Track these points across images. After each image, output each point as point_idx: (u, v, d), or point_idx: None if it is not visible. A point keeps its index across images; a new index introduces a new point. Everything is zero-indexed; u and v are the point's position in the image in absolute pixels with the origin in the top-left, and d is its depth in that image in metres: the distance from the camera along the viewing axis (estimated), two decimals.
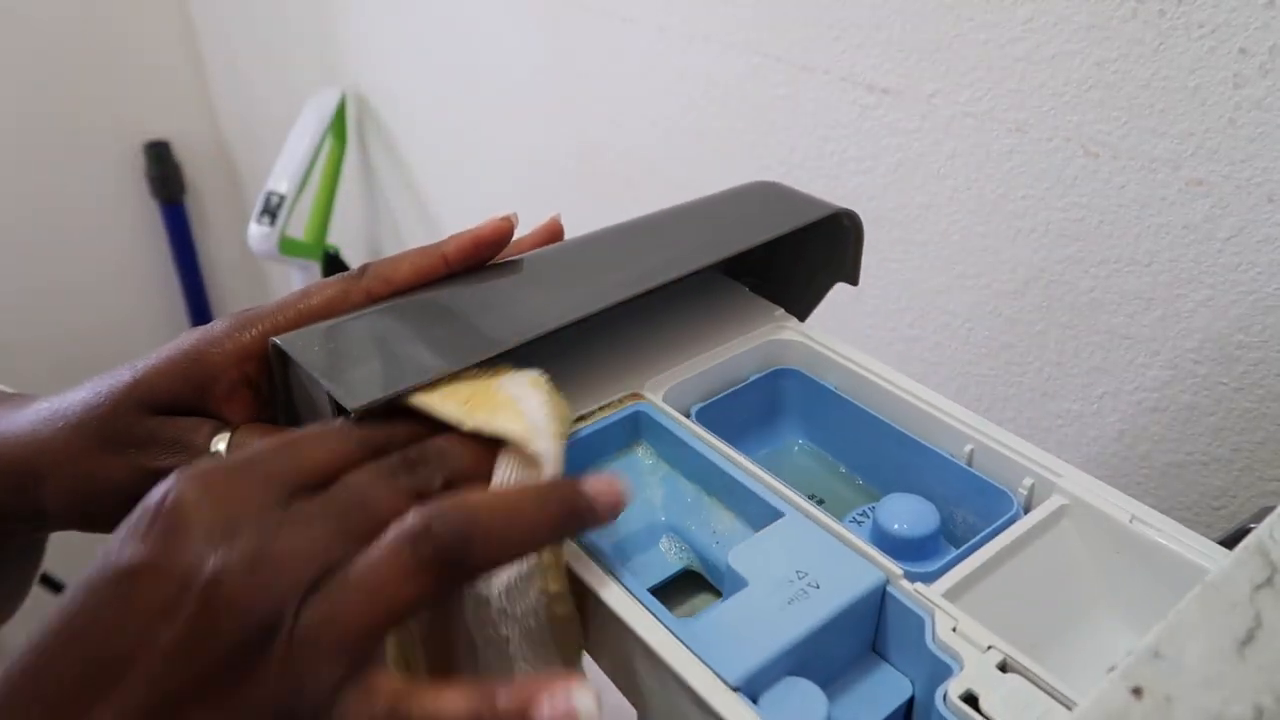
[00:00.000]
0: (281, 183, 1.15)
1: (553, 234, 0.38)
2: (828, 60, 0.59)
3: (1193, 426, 0.49)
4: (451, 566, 0.22)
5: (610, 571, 0.27)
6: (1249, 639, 0.18)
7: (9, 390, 0.40)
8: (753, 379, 0.35)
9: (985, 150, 0.53)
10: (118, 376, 0.32)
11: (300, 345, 0.28)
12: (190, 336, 0.32)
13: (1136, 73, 0.45)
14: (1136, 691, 0.18)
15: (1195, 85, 0.43)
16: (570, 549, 0.27)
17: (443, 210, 1.13)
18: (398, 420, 0.27)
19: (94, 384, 0.33)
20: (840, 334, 0.36)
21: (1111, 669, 0.18)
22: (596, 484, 0.24)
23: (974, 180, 0.54)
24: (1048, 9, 0.47)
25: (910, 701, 0.26)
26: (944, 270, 0.58)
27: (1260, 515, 0.35)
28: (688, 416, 0.32)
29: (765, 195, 0.39)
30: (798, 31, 0.60)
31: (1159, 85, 0.44)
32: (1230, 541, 0.26)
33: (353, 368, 0.27)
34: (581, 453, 0.32)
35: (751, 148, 0.68)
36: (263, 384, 0.31)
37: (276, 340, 0.29)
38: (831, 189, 0.62)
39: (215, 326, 0.32)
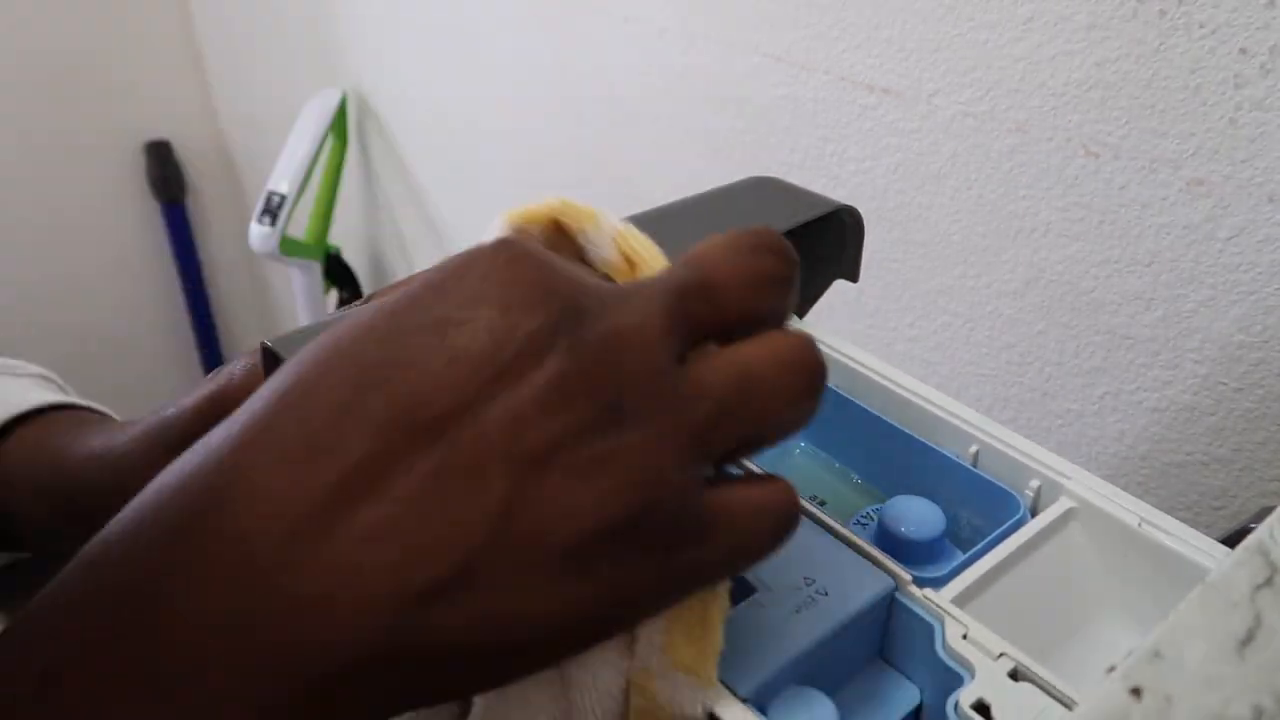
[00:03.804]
0: (282, 183, 1.15)
1: None
2: (828, 60, 0.59)
3: (1193, 427, 0.49)
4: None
5: None
6: (1249, 639, 0.18)
7: (98, 408, 0.43)
8: None
9: (985, 150, 0.53)
10: (148, 423, 0.35)
11: (290, 347, 0.29)
12: (212, 379, 0.35)
13: (1137, 73, 0.45)
14: (1136, 691, 0.18)
15: (1196, 85, 0.43)
16: None
17: (443, 210, 1.13)
18: None
19: (138, 425, 0.36)
20: (840, 333, 0.36)
21: (1111, 669, 0.18)
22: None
23: (974, 180, 0.54)
24: (1048, 9, 0.47)
25: (919, 710, 0.26)
26: (944, 270, 0.58)
27: (1260, 515, 0.35)
28: None
29: (765, 191, 0.38)
30: (798, 31, 0.60)
31: (1160, 85, 0.44)
32: (1231, 542, 0.26)
33: None
34: None
35: (751, 148, 0.68)
36: None
37: (267, 341, 0.29)
38: (831, 189, 0.62)
39: (235, 366, 0.35)
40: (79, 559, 0.18)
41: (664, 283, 0.20)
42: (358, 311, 0.20)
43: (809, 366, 0.20)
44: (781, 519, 0.21)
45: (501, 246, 0.19)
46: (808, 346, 0.20)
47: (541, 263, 0.19)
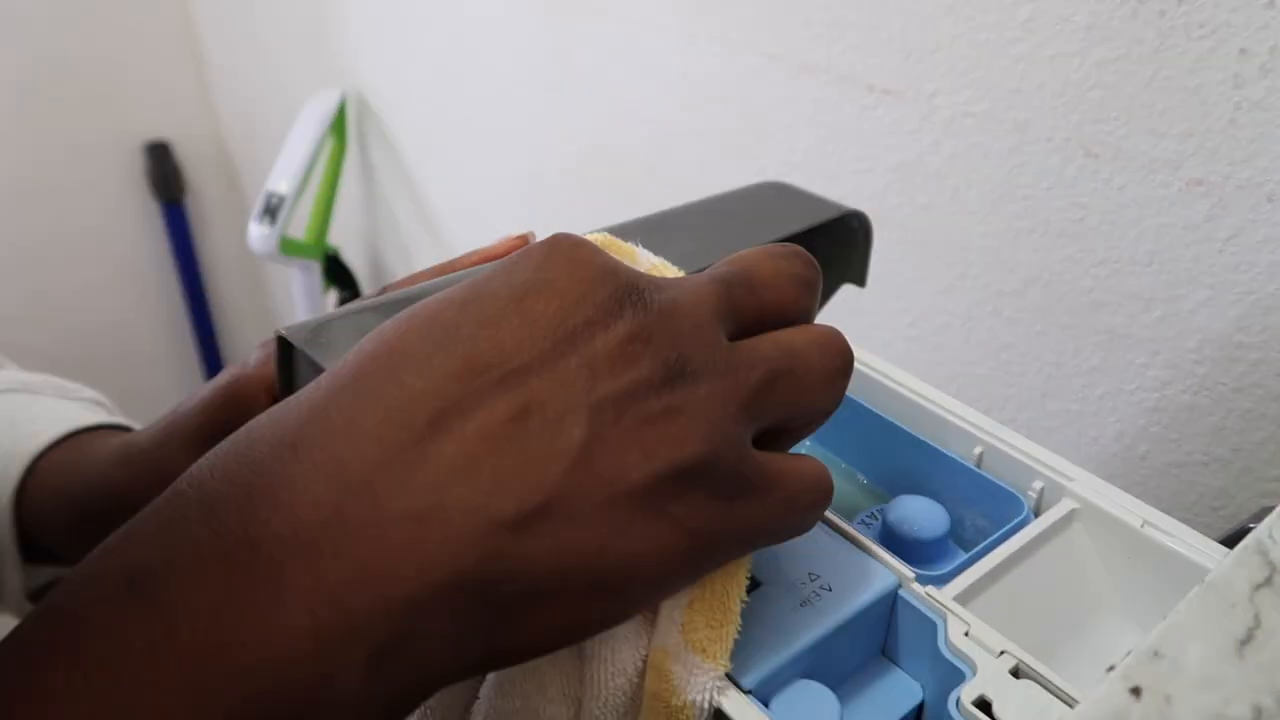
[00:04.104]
0: (282, 183, 1.15)
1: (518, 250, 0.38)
2: (828, 60, 0.59)
3: (1192, 427, 0.49)
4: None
5: None
6: (1249, 639, 0.18)
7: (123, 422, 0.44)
8: None
9: (985, 150, 0.53)
10: (165, 419, 0.37)
11: (304, 335, 0.29)
12: (227, 370, 0.36)
13: (1137, 73, 0.45)
14: (1136, 691, 0.18)
15: (1195, 85, 0.43)
16: None
17: (443, 210, 1.13)
18: None
19: (154, 426, 0.38)
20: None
21: (1111, 669, 0.18)
22: None
23: (974, 180, 0.54)
24: (1048, 9, 0.47)
25: (921, 706, 0.26)
26: (944, 270, 0.58)
27: (1260, 515, 0.35)
28: None
29: (774, 195, 0.39)
30: (798, 31, 0.60)
31: (1159, 85, 0.44)
32: (1230, 542, 0.26)
33: (349, 348, 0.28)
34: None
35: (751, 148, 0.68)
36: None
37: (281, 330, 0.30)
38: (831, 189, 0.62)
39: (249, 357, 0.36)
40: (167, 491, 0.18)
41: (711, 273, 0.22)
42: (424, 300, 0.21)
43: (842, 349, 0.23)
44: (824, 487, 0.23)
45: (562, 237, 0.21)
46: (839, 334, 0.23)
47: (600, 250, 0.21)
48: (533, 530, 0.18)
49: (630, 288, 0.20)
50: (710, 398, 0.20)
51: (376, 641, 0.17)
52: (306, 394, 0.19)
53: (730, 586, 0.22)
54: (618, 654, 0.22)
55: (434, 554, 0.17)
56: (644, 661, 0.22)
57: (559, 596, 0.19)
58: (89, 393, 0.48)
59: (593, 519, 0.18)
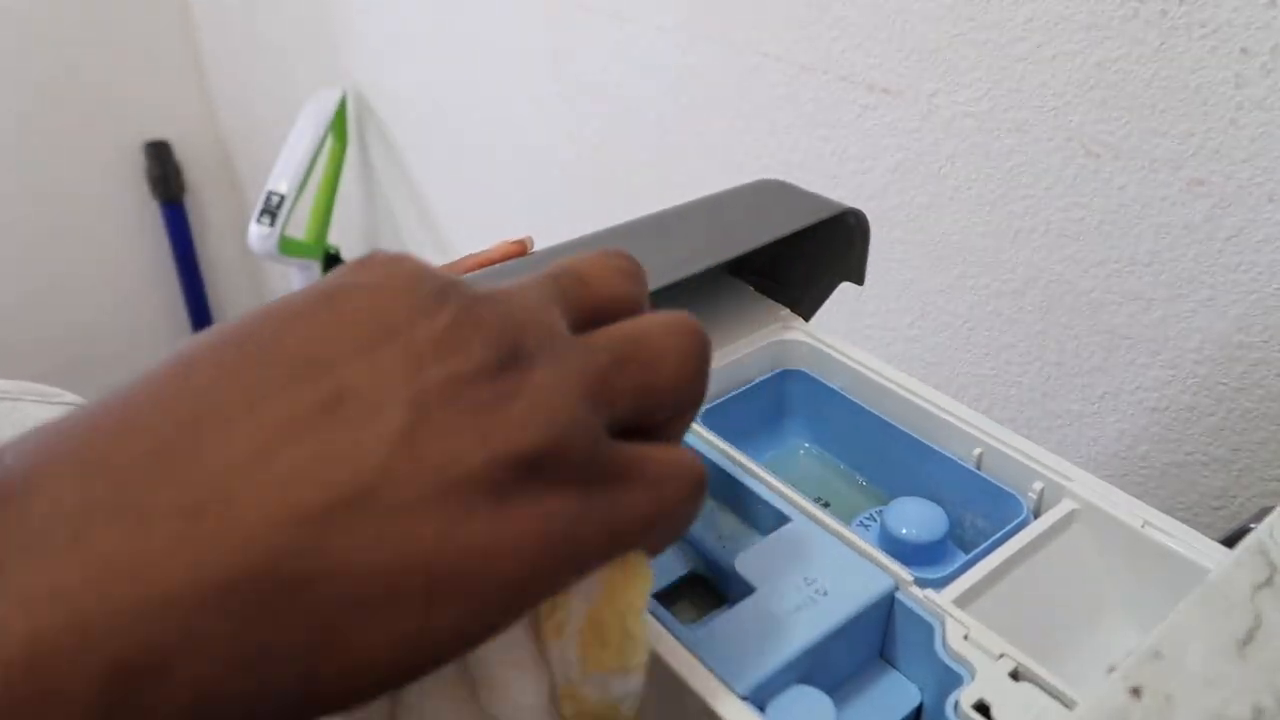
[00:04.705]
0: (281, 183, 1.15)
1: (517, 254, 0.37)
2: (828, 60, 0.59)
3: (1193, 427, 0.49)
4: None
5: None
6: (1249, 639, 0.18)
7: None
8: (758, 381, 0.35)
9: (985, 150, 0.53)
10: None
11: None
12: None
13: (1137, 73, 0.45)
14: (1136, 691, 0.18)
15: (1196, 85, 0.43)
16: None
17: (443, 210, 1.13)
18: None
19: None
20: (840, 334, 0.36)
21: (1111, 669, 0.18)
22: None
23: (974, 180, 0.54)
24: (1048, 9, 0.47)
25: (919, 709, 0.26)
26: (944, 270, 0.58)
27: (1260, 515, 0.35)
28: None
29: (771, 193, 0.38)
30: (798, 31, 0.60)
31: (1160, 85, 0.44)
32: (1230, 542, 0.26)
33: None
34: None
35: (751, 148, 0.68)
36: None
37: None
38: (831, 189, 0.62)
39: None
40: None
41: (536, 273, 0.21)
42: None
43: (692, 329, 0.21)
44: (695, 475, 0.21)
45: (378, 251, 0.19)
46: (687, 316, 0.21)
47: (416, 259, 0.19)
48: (347, 523, 0.15)
49: (451, 283, 0.19)
50: (554, 380, 0.18)
51: (119, 652, 0.14)
52: (97, 399, 0.17)
53: (619, 606, 0.20)
54: (521, 701, 0.20)
55: (210, 549, 0.14)
56: (552, 695, 0.21)
57: (393, 603, 0.16)
58: (69, 396, 0.47)
59: (422, 509, 0.16)
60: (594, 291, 0.21)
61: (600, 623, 0.20)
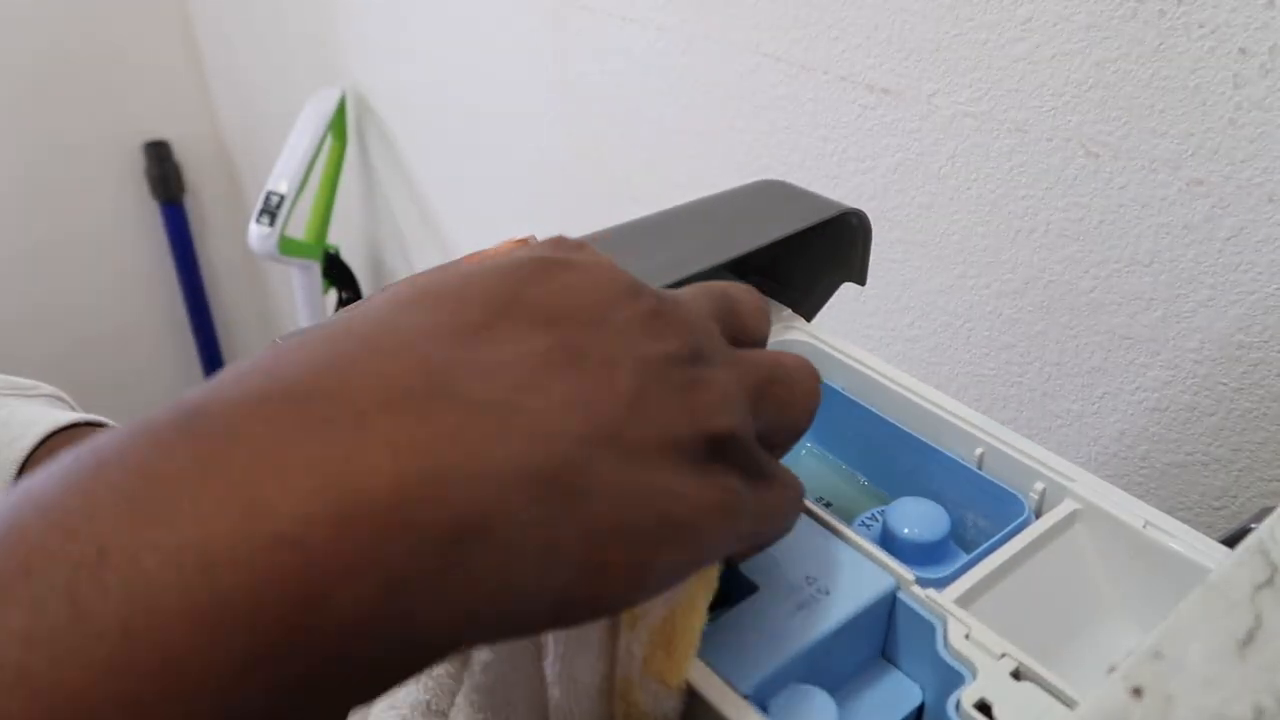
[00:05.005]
0: (281, 183, 1.15)
1: None
2: (828, 60, 0.59)
3: (1193, 427, 0.49)
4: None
5: None
6: (1249, 639, 0.18)
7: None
8: None
9: (985, 150, 0.53)
10: None
11: None
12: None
13: (1137, 73, 0.45)
14: (1136, 691, 0.18)
15: (1195, 85, 0.43)
16: None
17: (443, 210, 1.14)
18: None
19: None
20: (840, 334, 0.36)
21: (1112, 669, 0.18)
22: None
23: (974, 180, 0.54)
24: (1048, 9, 0.47)
25: (920, 709, 0.26)
26: (944, 270, 0.58)
27: (1261, 515, 0.35)
28: None
29: (773, 194, 0.38)
30: (798, 31, 0.60)
31: (1159, 85, 0.44)
32: (1231, 542, 0.26)
33: None
34: None
35: (751, 148, 0.68)
36: None
37: (279, 340, 0.30)
38: (832, 189, 0.62)
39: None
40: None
41: (693, 288, 0.24)
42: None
43: (817, 375, 0.24)
44: (803, 492, 0.23)
45: (560, 236, 0.22)
46: (805, 358, 0.24)
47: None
48: (605, 454, 0.17)
49: (638, 282, 0.21)
50: (729, 378, 0.20)
51: (462, 507, 0.15)
52: (340, 318, 0.19)
53: (692, 620, 0.22)
54: (578, 680, 0.23)
55: (519, 440, 0.16)
56: (607, 681, 0.23)
57: (636, 535, 0.18)
58: (47, 389, 0.47)
59: (653, 460, 0.18)
60: (741, 318, 0.24)
61: (672, 627, 0.22)
